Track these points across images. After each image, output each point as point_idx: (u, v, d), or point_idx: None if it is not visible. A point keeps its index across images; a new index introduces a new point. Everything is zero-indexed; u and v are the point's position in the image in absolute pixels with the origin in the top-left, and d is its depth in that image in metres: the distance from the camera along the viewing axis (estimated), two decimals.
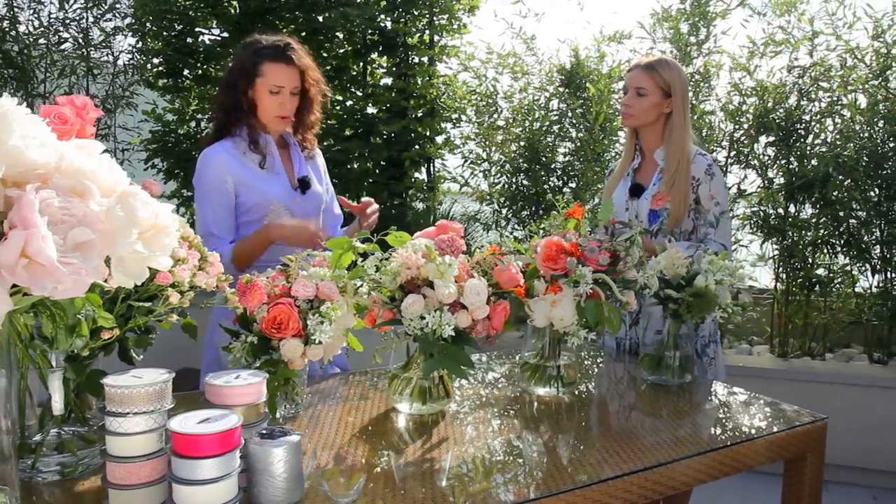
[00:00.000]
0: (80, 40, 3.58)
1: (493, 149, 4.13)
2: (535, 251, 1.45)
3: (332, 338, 1.17)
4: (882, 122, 3.14)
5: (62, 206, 0.66)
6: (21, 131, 0.65)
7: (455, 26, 4.17)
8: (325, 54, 4.10)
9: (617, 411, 1.55)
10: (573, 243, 1.36)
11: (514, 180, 3.95)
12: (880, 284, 3.38)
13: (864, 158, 3.17)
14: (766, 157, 3.49)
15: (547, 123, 3.81)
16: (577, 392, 1.57)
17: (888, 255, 3.31)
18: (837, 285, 3.40)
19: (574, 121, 3.87)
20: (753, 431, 1.33)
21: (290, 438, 0.95)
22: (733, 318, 1.54)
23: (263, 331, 1.17)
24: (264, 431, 0.97)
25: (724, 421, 1.44)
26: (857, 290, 3.44)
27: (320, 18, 4.00)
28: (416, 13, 4.16)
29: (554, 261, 1.35)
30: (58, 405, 1.03)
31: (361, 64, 4.26)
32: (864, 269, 3.37)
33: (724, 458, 1.26)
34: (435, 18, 4.17)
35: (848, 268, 3.37)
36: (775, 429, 1.35)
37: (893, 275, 3.36)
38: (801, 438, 1.38)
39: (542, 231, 1.48)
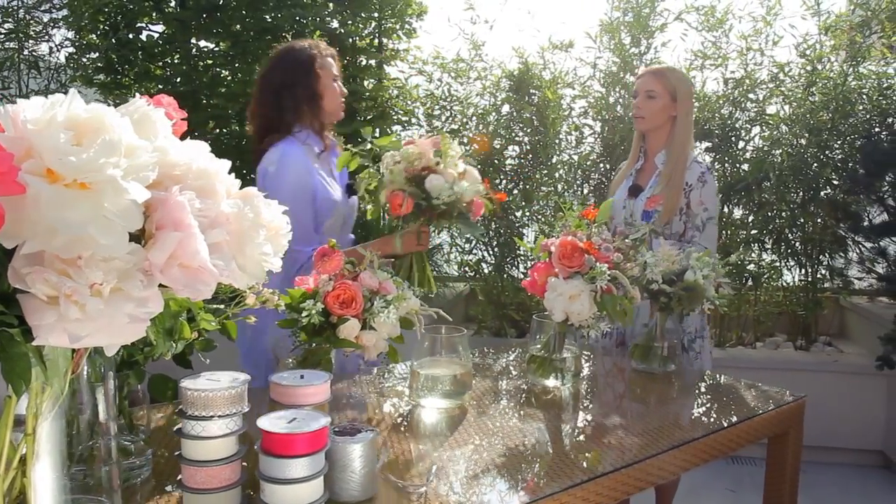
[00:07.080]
0: (19, 33, 3.32)
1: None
2: (545, 250, 1.53)
3: (388, 333, 1.19)
4: (807, 132, 3.46)
5: (200, 207, 0.66)
6: (164, 131, 0.65)
7: (403, 30, 4.20)
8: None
9: (617, 400, 1.65)
10: (588, 242, 1.44)
11: None
12: (802, 279, 3.73)
13: (788, 163, 3.49)
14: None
15: (500, 129, 3.92)
16: (583, 383, 1.66)
17: (809, 251, 3.65)
18: (765, 279, 3.71)
19: (522, 125, 3.99)
20: (750, 411, 1.46)
21: (368, 434, 0.97)
22: (721, 309, 1.68)
23: (328, 304, 1.19)
24: (338, 428, 0.98)
25: (722, 404, 1.57)
26: (782, 283, 3.78)
27: (268, 18, 3.92)
28: (364, 16, 4.15)
29: (570, 258, 1.43)
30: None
31: None
32: (789, 264, 3.70)
33: (732, 436, 1.39)
34: (383, 22, 4.19)
35: (775, 263, 3.69)
36: (768, 407, 1.49)
37: (812, 269, 3.71)
38: (787, 415, 1.53)
39: (552, 231, 1.56)
